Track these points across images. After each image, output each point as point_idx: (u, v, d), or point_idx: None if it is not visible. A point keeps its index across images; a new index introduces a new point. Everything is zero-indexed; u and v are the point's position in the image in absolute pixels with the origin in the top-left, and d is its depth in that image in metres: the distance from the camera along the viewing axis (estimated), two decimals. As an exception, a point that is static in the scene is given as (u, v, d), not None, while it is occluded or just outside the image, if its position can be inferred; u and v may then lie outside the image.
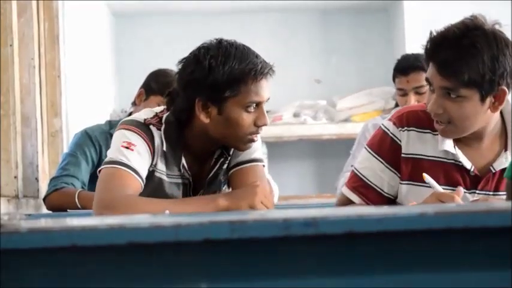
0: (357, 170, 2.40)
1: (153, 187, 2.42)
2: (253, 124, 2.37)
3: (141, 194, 2.36)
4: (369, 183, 2.36)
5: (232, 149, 2.47)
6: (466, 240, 1.33)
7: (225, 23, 6.50)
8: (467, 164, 2.30)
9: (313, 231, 1.30)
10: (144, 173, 2.36)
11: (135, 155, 2.34)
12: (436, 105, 2.22)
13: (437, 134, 2.31)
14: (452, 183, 2.30)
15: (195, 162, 2.46)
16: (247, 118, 2.35)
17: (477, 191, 2.30)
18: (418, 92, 3.65)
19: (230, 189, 2.50)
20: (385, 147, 2.35)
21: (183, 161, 2.41)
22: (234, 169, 2.48)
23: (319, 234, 1.30)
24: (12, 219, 1.37)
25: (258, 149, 2.50)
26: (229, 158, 2.49)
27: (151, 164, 2.40)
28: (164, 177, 2.43)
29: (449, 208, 1.48)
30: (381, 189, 2.35)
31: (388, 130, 2.35)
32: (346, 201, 2.41)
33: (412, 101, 3.62)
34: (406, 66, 3.71)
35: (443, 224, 1.32)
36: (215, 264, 1.32)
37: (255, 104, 2.35)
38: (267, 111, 2.41)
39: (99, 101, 5.54)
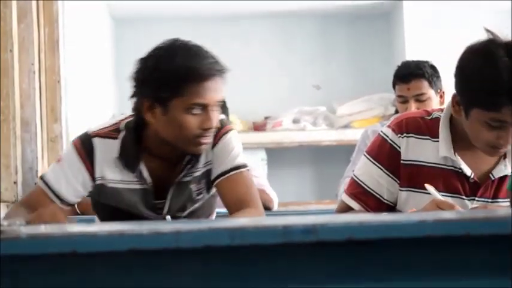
0: (356, 177, 2.40)
1: (108, 197, 2.41)
2: (199, 127, 2.30)
3: (99, 205, 2.44)
4: (368, 189, 2.36)
5: (212, 158, 2.43)
6: (465, 247, 1.33)
7: (224, 29, 6.51)
8: (467, 171, 2.30)
9: (312, 238, 1.30)
10: (68, 193, 2.39)
11: (61, 174, 2.38)
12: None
13: (436, 141, 2.31)
14: (451, 190, 2.30)
15: (161, 167, 2.41)
16: (191, 120, 2.29)
17: (476, 198, 2.30)
18: (418, 99, 3.62)
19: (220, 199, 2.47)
20: (384, 154, 2.35)
21: (142, 166, 2.37)
22: (220, 179, 2.43)
23: (318, 241, 1.31)
24: (12, 225, 1.37)
25: (239, 154, 2.45)
26: (198, 165, 2.42)
27: (95, 177, 2.39)
28: (119, 185, 2.40)
29: (448, 216, 1.48)
30: (380, 195, 2.35)
31: (387, 137, 2.35)
32: (346, 208, 2.41)
33: (413, 108, 3.58)
34: (407, 74, 3.67)
35: (442, 231, 1.32)
36: (215, 271, 1.32)
37: (200, 107, 2.28)
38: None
39: (99, 106, 5.55)
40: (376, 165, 2.35)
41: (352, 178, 2.41)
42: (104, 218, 2.50)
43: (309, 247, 1.31)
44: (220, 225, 1.34)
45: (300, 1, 6.16)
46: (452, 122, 2.31)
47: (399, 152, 2.33)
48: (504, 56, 2.11)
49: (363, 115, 6.21)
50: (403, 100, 3.67)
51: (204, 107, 2.29)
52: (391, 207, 2.37)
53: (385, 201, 2.35)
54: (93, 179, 2.39)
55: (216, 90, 2.30)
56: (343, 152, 5.68)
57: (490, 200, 2.30)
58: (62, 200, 2.39)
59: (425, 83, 3.63)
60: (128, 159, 2.37)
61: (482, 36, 2.23)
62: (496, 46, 2.15)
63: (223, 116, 2.50)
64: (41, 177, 2.43)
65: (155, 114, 2.31)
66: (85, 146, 2.38)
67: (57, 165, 2.42)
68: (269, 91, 6.46)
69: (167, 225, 1.36)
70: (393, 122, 2.38)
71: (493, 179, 2.31)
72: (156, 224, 1.60)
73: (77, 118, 4.74)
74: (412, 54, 5.57)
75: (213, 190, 2.50)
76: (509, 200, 2.05)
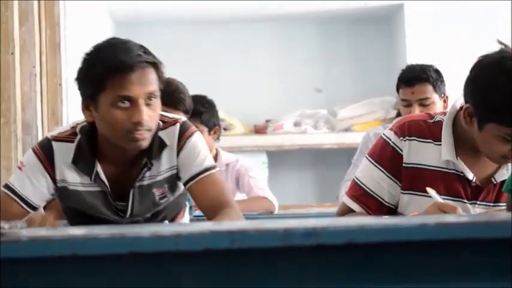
0: (357, 179, 2.40)
1: (71, 200, 2.40)
2: (129, 121, 2.25)
3: (67, 209, 2.44)
4: (370, 192, 2.36)
5: (178, 163, 2.39)
6: (466, 251, 1.33)
7: (225, 33, 6.51)
8: (469, 175, 2.29)
9: (313, 242, 1.30)
10: (35, 196, 2.37)
11: (25, 178, 2.37)
12: None
13: (438, 144, 2.31)
14: (453, 194, 2.29)
15: (118, 170, 2.38)
16: (119, 115, 2.24)
17: (478, 202, 2.30)
18: (422, 103, 3.59)
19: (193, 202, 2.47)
20: (386, 157, 2.34)
21: (98, 168, 2.35)
22: (191, 183, 2.39)
23: (319, 244, 1.31)
24: (13, 228, 1.37)
25: (206, 157, 2.41)
26: (160, 169, 2.39)
27: (57, 180, 2.38)
28: (80, 188, 2.39)
29: (449, 219, 1.48)
30: (381, 198, 2.35)
31: (390, 139, 2.35)
32: (347, 210, 2.41)
33: (417, 112, 3.54)
34: (411, 77, 3.64)
35: (444, 235, 1.32)
36: (215, 274, 1.32)
37: (127, 100, 2.24)
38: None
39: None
40: (377, 167, 2.35)
41: (353, 180, 2.41)
42: (71, 221, 2.49)
43: (310, 250, 1.31)
44: (220, 228, 1.34)
45: (301, 5, 6.15)
46: (454, 126, 2.31)
47: (401, 155, 2.32)
48: None
49: (364, 118, 6.21)
50: (407, 104, 3.64)
51: (131, 100, 2.24)
52: (392, 210, 2.37)
53: (386, 204, 2.35)
54: (55, 181, 2.39)
55: (142, 82, 2.24)
56: (344, 155, 5.68)
57: (491, 204, 2.30)
58: (29, 205, 2.38)
59: (430, 88, 3.61)
60: (83, 162, 2.36)
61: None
62: (510, 59, 2.13)
63: (184, 118, 2.47)
64: (5, 185, 2.41)
65: (91, 112, 2.30)
66: (45, 150, 2.38)
67: (19, 171, 2.40)
68: (270, 94, 6.46)
69: (167, 228, 1.36)
70: (395, 124, 2.38)
71: (495, 183, 2.31)
72: (156, 226, 1.60)
73: (78, 121, 4.73)
74: (413, 57, 5.57)
75: (180, 190, 2.47)
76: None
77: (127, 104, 2.24)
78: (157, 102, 2.30)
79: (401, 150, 2.32)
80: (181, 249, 1.29)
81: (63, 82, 4.29)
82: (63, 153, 2.37)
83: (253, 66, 6.52)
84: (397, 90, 3.71)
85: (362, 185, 2.37)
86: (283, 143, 6.11)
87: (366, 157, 2.40)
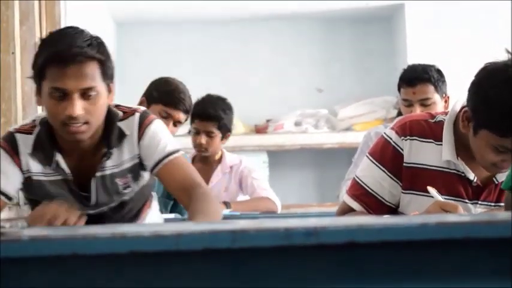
0: (358, 178, 2.40)
1: (37, 190, 2.41)
2: (63, 113, 2.23)
3: (29, 200, 2.46)
4: (370, 191, 2.36)
5: (140, 153, 2.40)
6: (466, 250, 1.33)
7: (226, 32, 6.52)
8: (470, 175, 2.29)
9: (314, 241, 1.30)
10: (10, 186, 2.37)
11: None
12: None
13: (440, 144, 2.31)
14: (454, 194, 2.29)
15: (79, 159, 2.37)
16: (53, 106, 2.23)
17: (479, 202, 2.30)
18: (423, 104, 3.57)
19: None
20: (387, 156, 2.34)
21: (58, 157, 2.36)
22: (156, 169, 2.39)
23: (320, 243, 1.30)
24: (13, 227, 1.37)
25: (167, 143, 2.40)
26: (122, 158, 2.39)
27: (23, 170, 2.39)
28: (42, 178, 2.40)
29: (450, 219, 1.48)
30: (382, 197, 2.35)
31: (391, 139, 2.35)
32: (347, 209, 2.41)
33: (418, 112, 3.54)
34: (413, 77, 3.62)
35: (444, 234, 1.32)
36: (216, 274, 1.32)
37: (60, 92, 2.21)
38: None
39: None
40: (378, 167, 2.35)
41: (354, 179, 2.41)
42: None
43: (311, 250, 1.31)
44: (221, 228, 1.34)
45: (302, 4, 6.16)
46: (455, 126, 2.30)
47: (402, 155, 2.32)
48: None
49: (365, 118, 6.21)
50: (408, 104, 3.63)
51: (65, 93, 2.21)
52: (393, 209, 2.37)
53: (387, 203, 2.35)
54: (22, 171, 2.39)
55: (78, 76, 2.21)
56: (344, 154, 5.69)
57: (493, 204, 2.30)
58: (5, 196, 2.37)
59: (431, 88, 3.60)
60: (42, 152, 2.37)
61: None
62: None
63: (143, 108, 2.47)
64: None
65: (39, 99, 2.30)
66: (10, 141, 2.39)
67: None
68: (271, 94, 6.46)
69: (168, 227, 1.36)
70: (397, 124, 2.37)
71: (496, 182, 2.31)
72: (156, 226, 1.60)
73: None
74: (413, 57, 5.58)
75: (144, 181, 2.48)
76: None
77: (62, 96, 2.22)
78: (98, 96, 2.27)
79: (402, 150, 2.32)
80: (182, 248, 1.29)
81: (63, 82, 4.28)
82: (25, 144, 2.38)
83: (254, 66, 6.52)
84: (399, 90, 3.70)
85: (363, 184, 2.37)
86: (284, 142, 6.11)
87: (367, 156, 2.40)
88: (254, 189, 4.16)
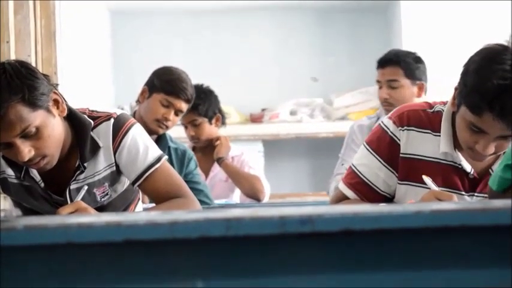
0: (354, 167, 2.39)
1: (12, 191, 2.39)
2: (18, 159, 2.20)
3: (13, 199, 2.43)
4: (366, 180, 2.36)
5: (119, 162, 2.33)
6: (462, 238, 1.33)
7: (222, 22, 6.50)
8: (467, 167, 2.29)
9: (309, 229, 1.30)
10: None
11: None
12: (491, 148, 2.18)
13: (437, 135, 2.30)
14: (450, 185, 2.29)
15: (52, 169, 2.27)
16: (8, 154, 2.22)
17: (476, 194, 2.30)
18: (390, 85, 3.75)
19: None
20: (383, 146, 2.34)
21: (27, 166, 2.29)
22: (138, 182, 2.34)
23: (315, 231, 1.30)
24: (8, 217, 1.37)
25: (147, 151, 2.34)
26: (98, 168, 2.33)
27: (0, 170, 2.36)
28: (14, 181, 2.36)
29: (445, 206, 1.48)
30: (377, 187, 2.35)
31: (388, 129, 2.33)
32: (342, 197, 2.41)
33: (384, 94, 3.73)
34: (383, 60, 3.81)
35: (439, 222, 1.32)
36: (211, 262, 1.32)
37: (5, 145, 2.17)
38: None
39: (96, 98, 5.54)
40: (375, 156, 2.34)
41: (350, 168, 2.41)
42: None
43: (306, 237, 1.31)
44: (216, 216, 1.34)
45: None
46: (454, 117, 2.29)
47: (399, 145, 2.31)
48: (507, 65, 2.08)
49: (360, 107, 6.20)
50: (380, 85, 3.80)
51: (8, 144, 2.17)
52: (388, 199, 2.37)
53: (382, 193, 2.35)
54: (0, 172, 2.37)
55: (8, 128, 2.13)
56: (340, 143, 5.65)
57: (489, 196, 2.30)
58: None
59: (400, 71, 3.76)
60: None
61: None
62: (504, 53, 2.12)
63: (119, 111, 2.37)
64: None
65: None
66: None
67: None
68: (266, 83, 6.45)
69: (163, 216, 1.36)
70: (394, 113, 2.36)
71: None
72: (152, 214, 1.60)
73: (74, 110, 4.73)
74: (409, 47, 5.56)
75: (125, 186, 2.43)
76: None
77: (6, 146, 2.17)
78: (40, 129, 2.17)
79: (399, 140, 2.31)
80: (177, 236, 1.29)
81: (58, 71, 4.28)
82: None
83: (249, 55, 6.51)
84: None
85: (358, 173, 2.37)
86: (279, 131, 6.10)
87: (364, 144, 2.39)
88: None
